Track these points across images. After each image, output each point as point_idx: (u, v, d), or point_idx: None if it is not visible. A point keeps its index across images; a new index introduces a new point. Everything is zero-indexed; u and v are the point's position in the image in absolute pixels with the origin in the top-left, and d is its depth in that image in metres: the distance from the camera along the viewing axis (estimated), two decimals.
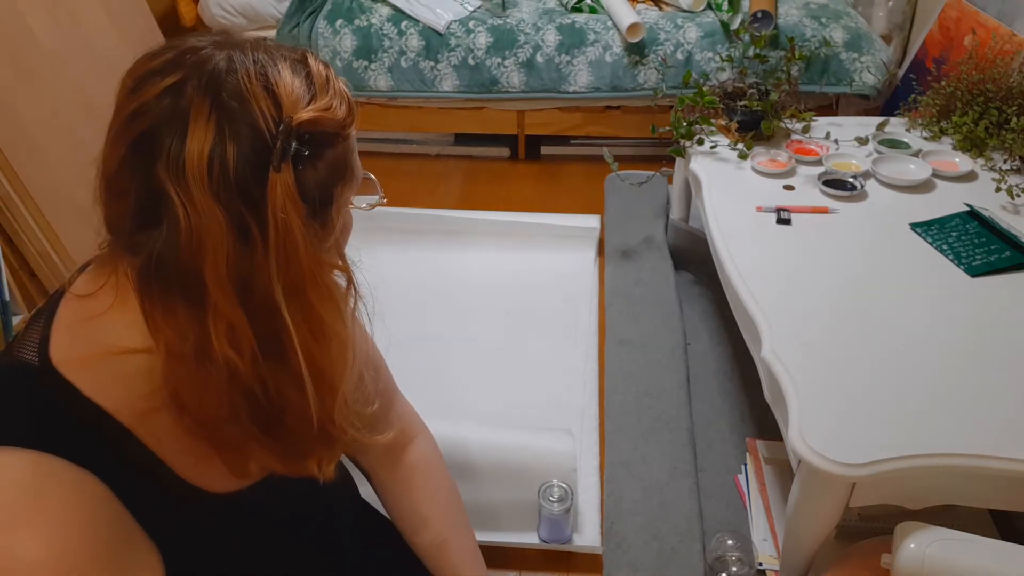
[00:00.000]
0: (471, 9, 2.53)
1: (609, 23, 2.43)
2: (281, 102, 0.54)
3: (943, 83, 1.71)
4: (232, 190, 0.52)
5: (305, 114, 0.55)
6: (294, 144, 0.54)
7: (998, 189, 1.48)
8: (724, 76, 2.16)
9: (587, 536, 1.36)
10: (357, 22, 2.47)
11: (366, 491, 0.94)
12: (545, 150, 2.70)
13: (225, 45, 0.55)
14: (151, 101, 0.52)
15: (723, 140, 1.76)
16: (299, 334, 0.56)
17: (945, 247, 1.34)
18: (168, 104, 0.52)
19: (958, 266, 1.29)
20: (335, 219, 0.61)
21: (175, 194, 0.51)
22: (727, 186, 1.59)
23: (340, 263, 0.63)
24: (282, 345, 0.56)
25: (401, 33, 2.44)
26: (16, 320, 1.66)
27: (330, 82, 0.59)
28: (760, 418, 1.56)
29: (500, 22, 2.46)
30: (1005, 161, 1.56)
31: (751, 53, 2.00)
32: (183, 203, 0.51)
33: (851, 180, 1.55)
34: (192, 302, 0.54)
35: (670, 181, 2.10)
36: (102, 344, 0.57)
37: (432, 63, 2.45)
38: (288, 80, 0.55)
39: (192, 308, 0.54)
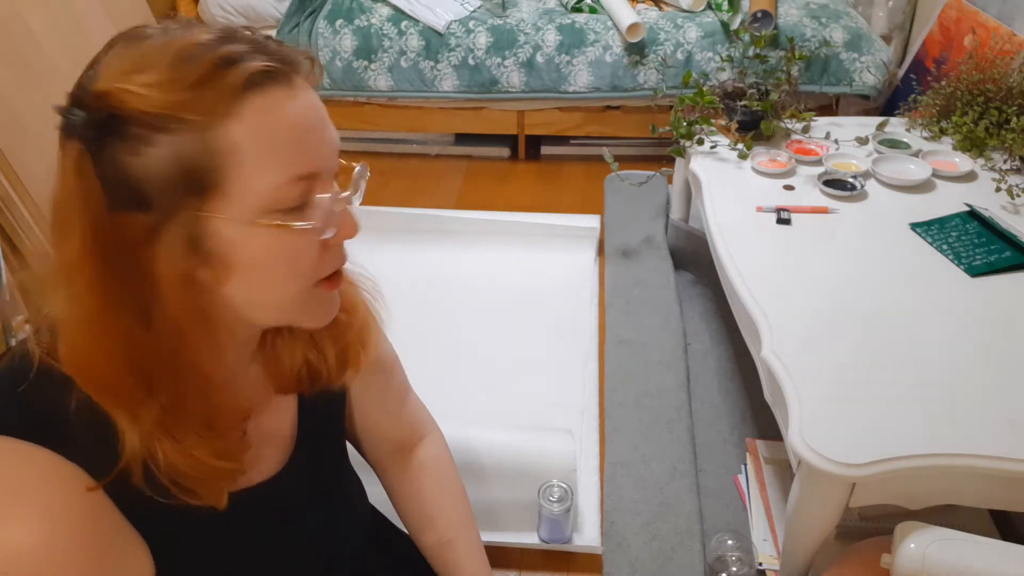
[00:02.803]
0: (471, 9, 2.53)
1: (609, 23, 2.43)
2: (100, 70, 0.51)
3: (943, 83, 1.71)
4: (62, 147, 0.52)
5: (110, 85, 0.49)
6: (76, 112, 0.50)
7: (998, 189, 1.48)
8: (724, 76, 2.16)
9: (587, 536, 1.36)
10: (357, 22, 2.47)
11: (373, 492, 0.94)
12: (545, 150, 2.71)
13: (191, 23, 0.55)
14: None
15: (723, 140, 1.76)
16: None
17: (945, 247, 1.34)
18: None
19: (958, 266, 1.29)
20: (174, 232, 0.52)
21: None
22: (727, 186, 1.59)
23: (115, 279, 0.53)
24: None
25: (401, 33, 2.44)
26: (16, 320, 1.66)
27: (189, 58, 0.50)
28: (760, 418, 1.56)
29: (500, 22, 2.46)
30: (1005, 161, 1.56)
31: (751, 53, 2.00)
32: None
33: (851, 180, 1.55)
34: None
35: (670, 181, 2.10)
36: None
37: (432, 63, 2.46)
38: (136, 47, 0.51)
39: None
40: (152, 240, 0.53)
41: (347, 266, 0.68)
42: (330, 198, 0.57)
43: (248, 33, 0.55)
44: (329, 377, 0.73)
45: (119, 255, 0.52)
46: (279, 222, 0.54)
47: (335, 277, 0.61)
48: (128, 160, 0.50)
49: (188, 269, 0.54)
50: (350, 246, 0.64)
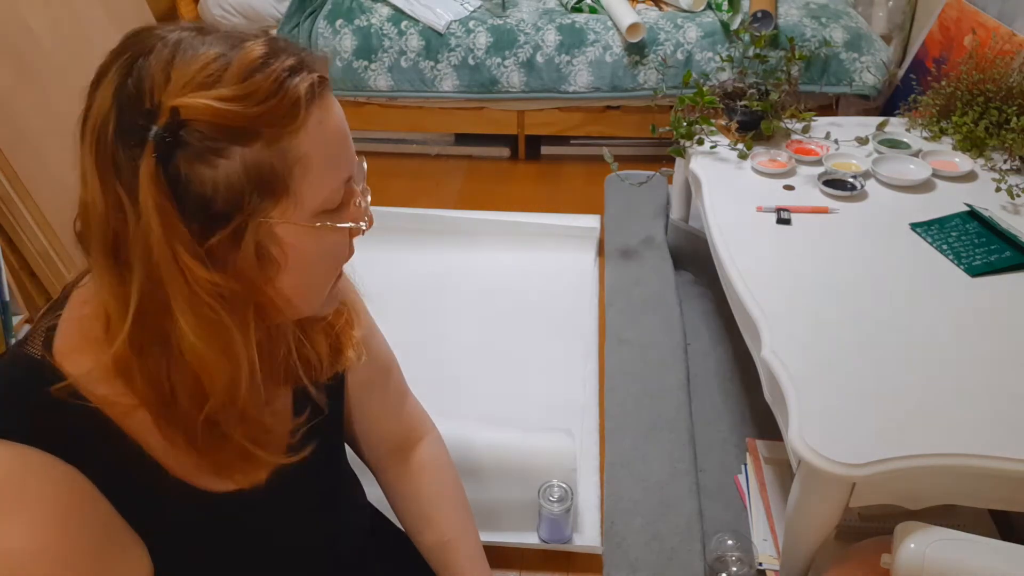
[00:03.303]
0: (471, 9, 2.53)
1: (609, 23, 2.43)
2: (170, 81, 0.51)
3: (943, 83, 1.71)
4: (107, 157, 0.51)
5: (183, 99, 0.50)
6: (155, 128, 0.50)
7: (998, 189, 1.48)
8: (724, 76, 2.16)
9: (587, 536, 1.36)
10: (357, 22, 2.47)
11: (372, 493, 0.94)
12: (545, 150, 2.71)
13: (202, 29, 0.55)
14: (103, 65, 0.54)
15: (723, 140, 1.76)
16: (180, 326, 0.55)
17: (945, 247, 1.34)
18: (103, 68, 0.53)
19: (958, 266, 1.29)
20: (248, 238, 0.54)
21: (80, 149, 0.53)
22: (727, 186, 1.59)
23: (221, 284, 0.54)
24: (165, 332, 0.55)
25: (401, 33, 2.45)
26: (16, 320, 1.66)
27: (255, 72, 0.52)
28: (760, 418, 1.56)
29: (500, 22, 2.46)
30: (1005, 161, 1.56)
31: (751, 53, 2.00)
32: (81, 160, 0.53)
33: (851, 180, 1.55)
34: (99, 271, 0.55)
35: (670, 181, 2.10)
36: (93, 334, 0.57)
37: (432, 63, 2.46)
38: (191, 61, 0.51)
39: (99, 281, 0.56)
40: (223, 249, 0.54)
41: None
42: (362, 195, 0.62)
43: (284, 41, 0.57)
44: (322, 365, 0.73)
45: (193, 265, 0.53)
46: (329, 222, 0.58)
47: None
48: (202, 172, 0.52)
49: (252, 272, 0.56)
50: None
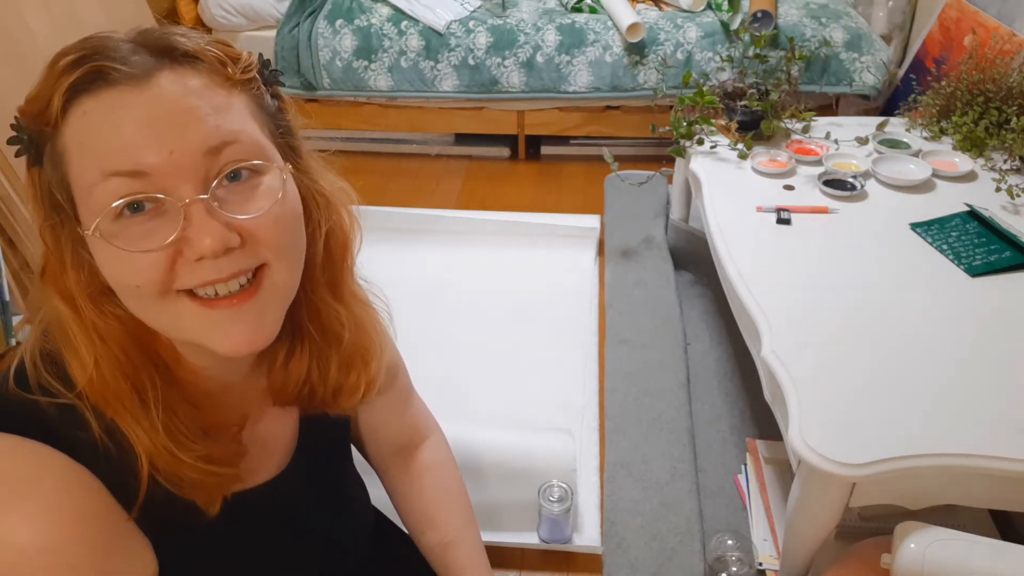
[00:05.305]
0: (471, 9, 2.53)
1: (609, 23, 2.43)
2: None
3: (943, 83, 1.71)
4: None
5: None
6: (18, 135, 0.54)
7: (998, 189, 1.48)
8: (724, 76, 2.16)
9: (587, 536, 1.36)
10: (357, 22, 2.47)
11: (374, 492, 0.94)
12: (545, 150, 2.71)
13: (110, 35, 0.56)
14: None
15: (723, 140, 1.76)
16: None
17: (945, 247, 1.34)
18: None
19: (958, 266, 1.29)
20: (88, 218, 0.51)
21: None
22: (727, 186, 1.59)
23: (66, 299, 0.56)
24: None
25: (401, 33, 2.45)
26: (16, 320, 1.66)
27: (49, 70, 0.51)
28: (760, 418, 1.56)
29: (500, 22, 2.46)
30: (1005, 161, 1.56)
31: (751, 53, 2.00)
32: None
33: (851, 180, 1.55)
34: None
35: (670, 181, 2.11)
36: None
37: (432, 63, 2.46)
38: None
39: None
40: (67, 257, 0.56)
41: (363, 284, 0.71)
42: (186, 210, 0.51)
43: (98, 37, 0.53)
44: (324, 401, 0.72)
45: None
46: (100, 233, 0.51)
47: (211, 299, 0.54)
48: (47, 175, 0.54)
49: (86, 287, 0.56)
50: None
